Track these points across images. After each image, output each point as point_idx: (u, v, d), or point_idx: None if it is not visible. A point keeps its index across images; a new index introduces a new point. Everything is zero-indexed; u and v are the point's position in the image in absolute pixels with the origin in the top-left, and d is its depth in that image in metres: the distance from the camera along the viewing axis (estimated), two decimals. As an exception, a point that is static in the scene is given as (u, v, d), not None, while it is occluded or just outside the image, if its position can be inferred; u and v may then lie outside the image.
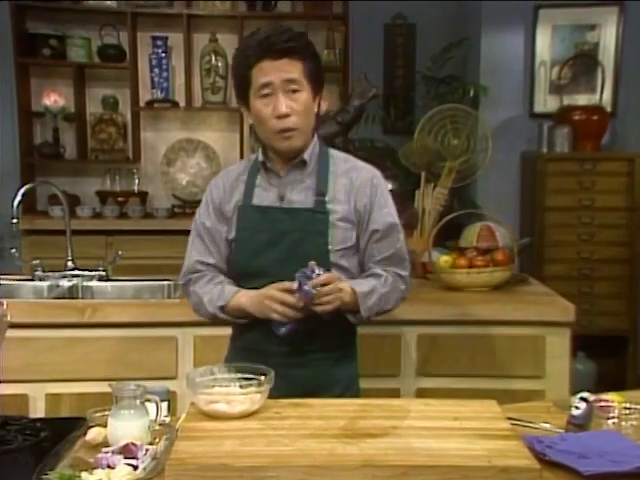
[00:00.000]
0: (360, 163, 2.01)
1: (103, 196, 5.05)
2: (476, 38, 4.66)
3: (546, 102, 4.66)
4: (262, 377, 1.67)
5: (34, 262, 3.10)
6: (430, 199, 3.23)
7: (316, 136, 1.98)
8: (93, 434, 1.48)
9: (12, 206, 2.97)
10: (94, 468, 1.34)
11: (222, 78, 5.03)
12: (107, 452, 1.39)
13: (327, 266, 1.86)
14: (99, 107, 5.13)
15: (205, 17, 5.05)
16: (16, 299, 2.90)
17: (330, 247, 1.89)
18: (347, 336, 2.02)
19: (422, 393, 2.56)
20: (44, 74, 5.09)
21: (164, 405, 1.62)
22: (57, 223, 4.49)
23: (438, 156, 3.31)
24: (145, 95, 5.09)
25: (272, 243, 1.89)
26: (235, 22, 5.00)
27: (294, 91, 1.83)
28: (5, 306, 1.60)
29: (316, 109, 1.93)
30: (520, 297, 2.80)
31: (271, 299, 1.81)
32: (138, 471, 1.34)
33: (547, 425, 1.67)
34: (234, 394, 1.64)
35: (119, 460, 1.36)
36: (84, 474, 1.31)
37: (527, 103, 4.66)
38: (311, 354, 1.93)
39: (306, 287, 1.75)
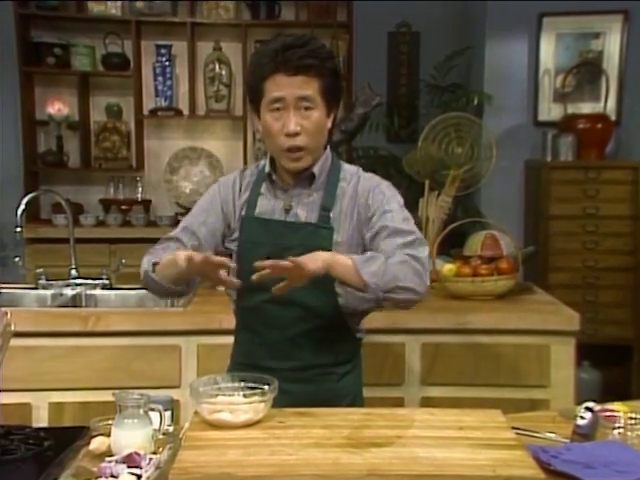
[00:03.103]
0: (368, 175, 1.93)
1: (107, 204, 5.06)
2: (480, 46, 4.67)
3: (550, 110, 4.66)
4: (266, 386, 1.67)
5: (38, 270, 3.10)
6: (434, 207, 3.23)
7: (328, 149, 1.92)
8: (97, 443, 1.48)
9: (16, 214, 2.97)
10: (98, 477, 1.33)
11: (226, 86, 5.04)
12: (111, 461, 1.38)
13: (330, 282, 1.79)
14: (103, 115, 5.15)
15: (209, 25, 5.06)
16: (19, 308, 2.90)
17: None
18: (352, 350, 1.98)
19: (426, 402, 2.55)
20: (48, 83, 5.10)
21: (167, 414, 1.62)
22: (61, 231, 4.50)
23: (442, 164, 3.30)
24: (149, 103, 5.10)
25: (274, 257, 1.80)
26: (239, 30, 5.01)
27: (307, 108, 1.78)
28: (9, 315, 1.60)
29: (330, 125, 1.86)
30: (524, 306, 2.79)
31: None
32: (141, 480, 1.33)
33: (552, 435, 1.66)
34: (238, 403, 1.63)
35: (123, 469, 1.35)
36: (87, 484, 1.31)
37: (531, 111, 4.67)
38: (315, 369, 1.89)
39: None
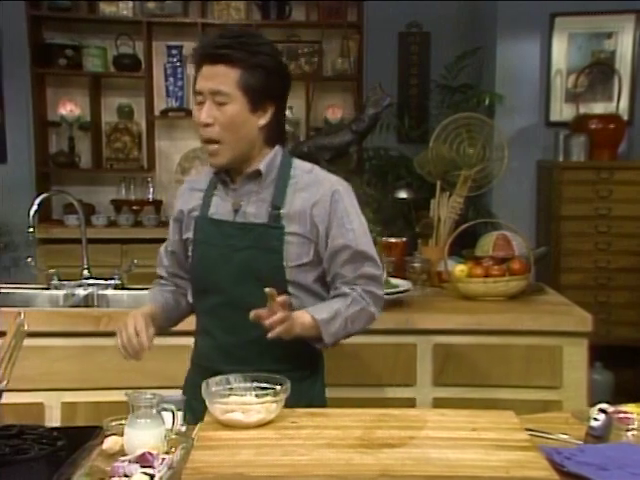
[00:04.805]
0: (324, 174, 1.88)
1: (118, 205, 5.07)
2: (491, 46, 4.65)
3: (562, 111, 4.65)
4: (278, 386, 1.67)
5: (50, 271, 3.11)
6: (445, 208, 3.22)
7: (277, 147, 1.87)
8: (110, 443, 1.48)
9: (28, 215, 2.98)
10: (111, 477, 1.34)
11: (237, 87, 5.04)
12: (124, 461, 1.38)
13: (282, 284, 1.79)
14: (114, 116, 5.17)
15: (220, 26, 5.05)
16: (32, 308, 2.91)
17: (285, 263, 1.80)
18: (309, 354, 1.90)
19: (438, 403, 2.55)
20: (60, 84, 5.13)
21: (180, 414, 1.62)
22: (72, 232, 4.51)
23: (453, 165, 3.29)
24: (160, 104, 5.12)
25: (225, 259, 1.82)
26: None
27: (221, 103, 1.75)
28: (22, 315, 1.61)
29: (264, 121, 1.80)
30: (536, 307, 2.78)
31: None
32: (154, 480, 1.33)
33: (565, 436, 1.65)
34: (250, 403, 1.63)
35: (136, 469, 1.35)
36: (101, 483, 1.31)
37: (543, 112, 4.65)
38: (272, 374, 1.74)
39: None
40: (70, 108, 5.00)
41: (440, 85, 4.86)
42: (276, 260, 1.80)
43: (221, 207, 1.87)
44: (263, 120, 1.81)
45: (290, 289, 1.82)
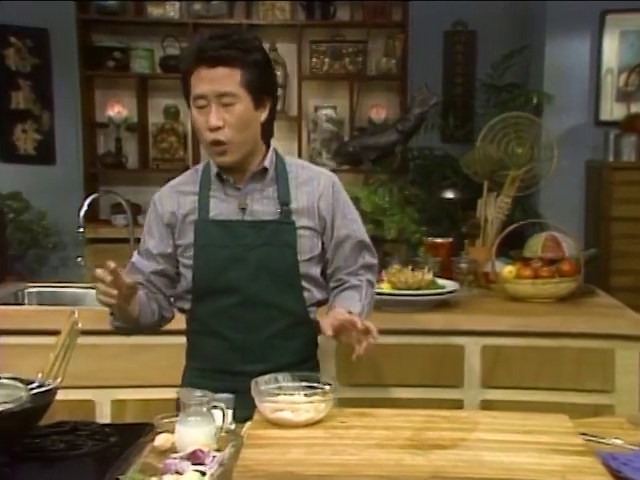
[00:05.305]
0: (318, 169, 1.96)
1: (164, 205, 5.11)
2: (540, 45, 4.59)
3: (612, 110, 4.55)
4: (327, 386, 1.66)
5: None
6: (493, 208, 3.18)
7: (272, 143, 1.90)
8: (161, 440, 1.48)
9: (78, 215, 3.03)
10: (163, 474, 1.34)
11: (281, 87, 5.06)
12: (175, 458, 1.39)
13: (297, 278, 1.83)
14: (161, 117, 5.23)
15: (265, 26, 5.09)
16: (82, 307, 2.95)
17: (299, 258, 1.83)
18: (314, 344, 1.97)
19: (487, 405, 2.51)
20: (108, 85, 5.21)
21: (229, 412, 1.62)
22: (119, 231, 4.58)
23: (501, 165, 3.25)
24: (205, 105, 5.15)
25: (238, 259, 1.82)
26: (294, 31, 5.04)
27: (228, 104, 1.74)
28: (76, 314, 1.63)
29: (264, 116, 1.82)
30: (587, 309, 2.73)
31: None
32: (206, 477, 1.33)
33: (620, 441, 1.61)
34: (299, 402, 1.63)
35: (187, 466, 1.36)
36: (154, 479, 1.32)
37: (593, 111, 4.57)
38: (286, 369, 1.77)
39: None
40: (118, 109, 5.08)
41: (486, 84, 4.81)
42: (291, 255, 1.83)
43: (224, 208, 1.85)
44: (263, 116, 1.83)
45: (303, 283, 1.85)
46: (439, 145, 4.96)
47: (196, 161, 5.16)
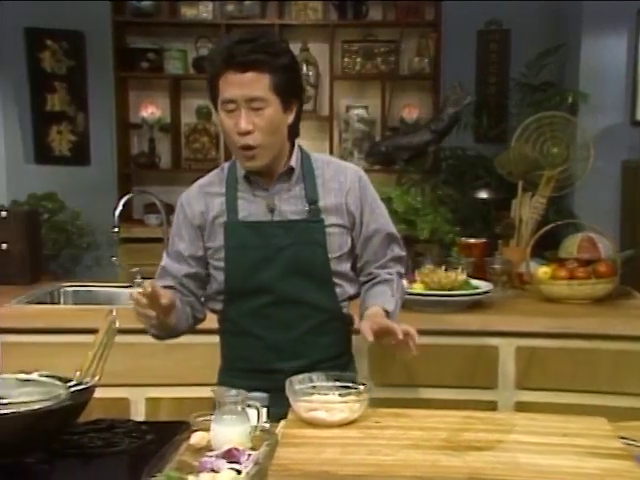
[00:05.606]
0: (343, 164, 1.95)
1: (196, 205, 5.15)
2: (575, 43, 4.53)
3: (650, 109, 4.48)
4: (361, 386, 1.66)
5: (133, 269, 3.18)
6: (527, 208, 3.15)
7: (297, 142, 1.90)
8: (197, 438, 1.49)
9: (113, 215, 3.06)
10: (199, 471, 1.35)
11: (313, 87, 5.08)
12: (211, 456, 1.40)
13: (328, 275, 1.84)
14: (193, 117, 5.26)
15: (297, 26, 5.10)
16: (117, 305, 2.98)
17: (330, 255, 1.84)
18: (348, 339, 1.98)
19: (521, 407, 2.49)
20: (142, 86, 5.25)
21: (264, 411, 1.62)
22: (152, 231, 4.62)
23: (536, 165, 3.22)
24: (237, 105, 5.17)
25: (269, 259, 1.82)
26: (326, 31, 5.04)
27: (258, 108, 1.74)
28: (114, 313, 1.64)
29: (292, 118, 1.82)
30: (624, 311, 2.70)
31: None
32: (242, 476, 1.34)
33: (660, 446, 1.58)
34: (334, 402, 1.63)
35: (223, 464, 1.37)
36: (190, 477, 1.32)
37: (629, 110, 4.49)
38: (321, 365, 1.81)
39: None
40: (151, 110, 5.12)
41: (520, 83, 4.76)
42: (321, 253, 1.83)
43: (253, 209, 1.86)
44: (291, 118, 1.83)
45: (334, 279, 1.86)
46: (472, 145, 4.92)
47: (227, 161, 5.19)
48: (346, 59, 5.14)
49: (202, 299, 1.95)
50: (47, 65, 5.02)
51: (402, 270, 1.99)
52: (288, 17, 5.09)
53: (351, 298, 1.94)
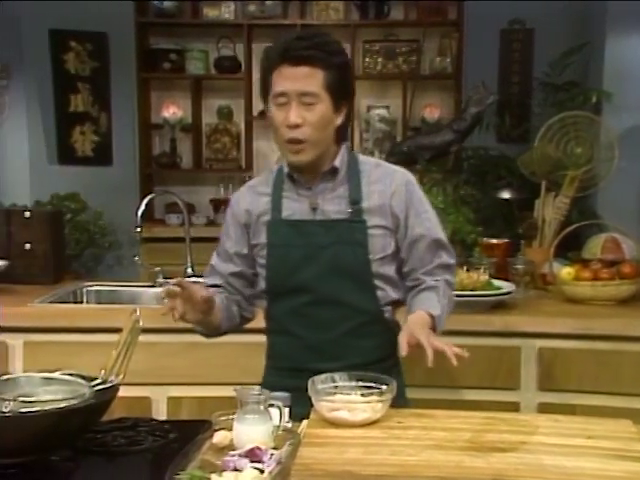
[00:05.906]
0: (393, 167, 1.93)
1: (217, 204, 5.17)
2: (600, 42, 4.49)
3: (675, 109, 4.42)
4: (384, 386, 1.66)
5: (155, 269, 3.19)
6: (551, 209, 3.13)
7: (344, 144, 1.90)
8: (220, 437, 1.50)
9: (136, 215, 3.08)
10: (222, 470, 1.35)
11: (334, 88, 5.06)
12: (234, 455, 1.40)
13: (369, 277, 1.83)
14: (214, 117, 5.28)
15: (318, 26, 5.08)
16: (139, 305, 2.99)
17: (371, 257, 1.82)
18: (392, 344, 1.87)
19: (544, 408, 2.47)
20: (164, 87, 5.29)
21: (286, 410, 1.62)
22: (173, 231, 4.64)
23: (559, 165, 3.19)
24: (258, 105, 5.15)
25: (310, 258, 1.82)
26: (348, 31, 5.03)
27: (310, 103, 1.76)
28: (138, 312, 1.65)
29: (340, 120, 1.83)
30: (649, 312, 2.67)
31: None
32: (265, 475, 1.34)
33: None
34: (356, 402, 1.63)
35: (246, 463, 1.37)
36: (213, 476, 1.32)
37: (654, 110, 4.45)
38: (362, 368, 1.77)
39: None
40: (173, 110, 5.15)
41: (543, 83, 4.73)
42: (362, 254, 1.82)
43: (297, 208, 1.86)
44: (339, 120, 1.84)
45: (376, 282, 1.85)
46: (494, 145, 4.89)
47: (248, 161, 5.21)
48: (367, 59, 5.14)
49: (251, 299, 1.98)
50: (71, 66, 5.07)
51: (450, 278, 1.92)
52: (310, 17, 5.09)
53: (395, 303, 1.91)
